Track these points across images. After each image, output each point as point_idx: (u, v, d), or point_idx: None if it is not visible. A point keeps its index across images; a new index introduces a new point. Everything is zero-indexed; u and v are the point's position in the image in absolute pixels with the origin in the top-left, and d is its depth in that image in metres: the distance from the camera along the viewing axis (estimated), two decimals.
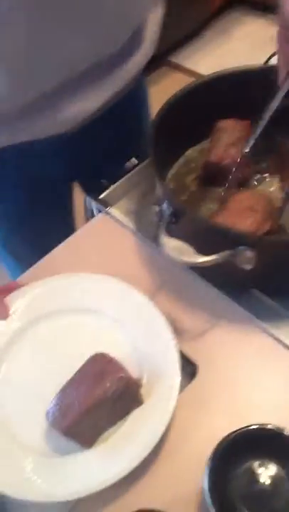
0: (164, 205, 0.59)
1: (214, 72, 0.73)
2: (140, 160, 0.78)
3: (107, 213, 0.75)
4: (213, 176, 0.70)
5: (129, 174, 0.78)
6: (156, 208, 0.73)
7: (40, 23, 0.55)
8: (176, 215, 0.58)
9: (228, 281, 0.62)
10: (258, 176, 0.71)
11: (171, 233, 0.56)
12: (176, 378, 0.53)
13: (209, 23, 2.55)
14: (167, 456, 0.52)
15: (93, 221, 0.76)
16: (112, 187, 0.77)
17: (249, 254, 0.53)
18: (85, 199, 0.79)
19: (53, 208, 0.90)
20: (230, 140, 0.69)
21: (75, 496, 0.48)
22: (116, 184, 0.77)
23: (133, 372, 0.53)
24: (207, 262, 0.53)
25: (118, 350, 0.55)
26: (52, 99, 0.64)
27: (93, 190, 0.77)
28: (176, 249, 0.54)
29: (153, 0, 0.71)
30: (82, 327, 0.60)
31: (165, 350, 0.55)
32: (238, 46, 2.43)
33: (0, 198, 0.82)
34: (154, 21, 0.73)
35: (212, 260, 0.53)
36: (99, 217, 0.76)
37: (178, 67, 2.40)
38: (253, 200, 0.61)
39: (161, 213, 0.60)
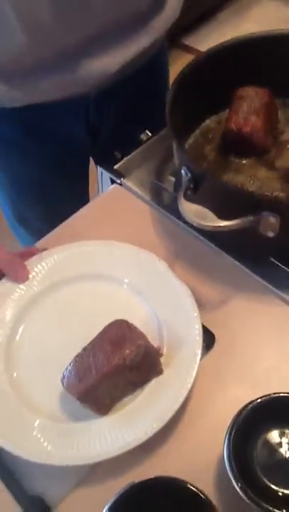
0: (183, 172, 0.57)
1: (233, 38, 0.71)
2: (153, 132, 0.76)
3: (122, 184, 0.73)
4: (232, 145, 0.68)
5: (143, 146, 0.76)
6: (173, 178, 0.72)
7: None
8: (196, 181, 0.56)
9: (247, 250, 0.61)
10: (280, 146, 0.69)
11: (190, 201, 0.54)
12: (197, 350, 0.51)
13: (223, 5, 2.50)
14: (186, 425, 0.51)
15: (107, 192, 0.74)
16: (126, 158, 0.75)
17: (273, 220, 0.52)
18: (99, 170, 0.77)
19: (69, 178, 0.88)
20: (250, 108, 0.66)
21: (87, 461, 0.47)
22: (130, 155, 0.76)
23: (153, 340, 0.51)
24: (229, 226, 0.51)
25: (138, 318, 0.53)
26: (73, 56, 0.62)
27: (107, 163, 0.76)
28: (198, 213, 0.52)
29: None
30: (103, 294, 0.59)
31: (187, 320, 0.54)
32: (252, 28, 2.37)
33: (21, 163, 0.81)
34: None
35: (235, 224, 0.51)
36: (113, 187, 0.74)
37: (191, 50, 2.36)
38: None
39: (179, 181, 0.58)
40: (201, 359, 0.52)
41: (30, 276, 0.60)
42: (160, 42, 0.74)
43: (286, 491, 0.43)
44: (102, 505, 0.41)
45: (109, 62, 0.66)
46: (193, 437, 0.50)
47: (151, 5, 0.66)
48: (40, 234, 0.69)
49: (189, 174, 0.57)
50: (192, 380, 0.50)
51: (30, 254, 0.61)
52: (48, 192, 0.87)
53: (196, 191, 0.56)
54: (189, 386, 0.50)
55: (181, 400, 0.49)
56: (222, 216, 0.52)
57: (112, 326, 0.51)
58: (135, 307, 0.57)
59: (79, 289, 0.59)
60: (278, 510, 0.41)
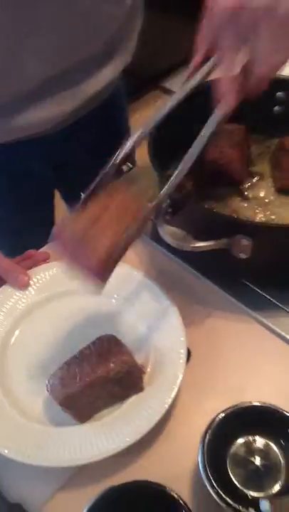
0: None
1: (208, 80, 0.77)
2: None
3: None
4: (210, 176, 0.72)
5: (123, 176, 0.81)
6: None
7: (11, 25, 0.56)
8: (175, 206, 0.60)
9: (221, 272, 0.65)
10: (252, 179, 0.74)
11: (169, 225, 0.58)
12: (179, 373, 0.54)
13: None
14: (164, 434, 0.53)
15: None
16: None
17: (246, 242, 0.56)
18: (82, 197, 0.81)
19: (35, 211, 0.91)
20: (227, 142, 0.72)
21: (70, 464, 0.49)
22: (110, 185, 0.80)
23: (138, 358, 0.54)
24: (205, 246, 0.55)
25: (128, 335, 0.57)
26: (26, 100, 0.65)
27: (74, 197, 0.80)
28: (176, 235, 0.57)
29: (125, 15, 0.71)
30: (94, 308, 0.62)
31: (173, 342, 0.57)
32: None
33: None
34: (131, 33, 0.75)
35: (210, 245, 0.55)
36: None
37: (169, 92, 2.48)
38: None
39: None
40: None
41: (32, 282, 0.63)
42: (113, 86, 0.77)
43: (255, 494, 0.46)
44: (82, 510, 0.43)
45: (64, 102, 0.69)
46: (171, 445, 0.53)
47: (103, 49, 0.70)
48: None
49: (168, 200, 0.61)
50: (170, 401, 0.52)
51: (27, 257, 0.64)
52: (16, 227, 0.90)
53: (174, 215, 0.61)
54: (167, 407, 0.52)
55: (157, 419, 0.51)
56: (199, 239, 0.56)
57: (101, 339, 0.54)
58: (127, 324, 0.60)
59: (70, 303, 0.63)
60: (246, 510, 0.43)
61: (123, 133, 0.92)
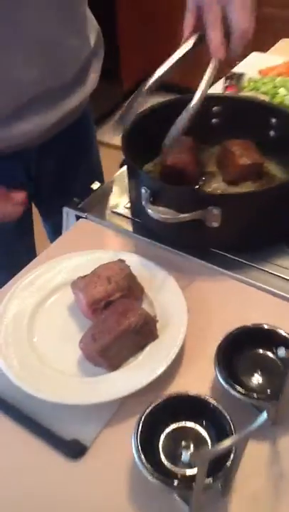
0: (143, 190, 0.76)
1: (160, 102, 0.94)
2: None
3: (86, 218, 0.90)
4: (169, 177, 0.86)
5: (96, 191, 0.95)
6: (125, 209, 0.90)
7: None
8: (155, 192, 0.74)
9: (196, 246, 0.79)
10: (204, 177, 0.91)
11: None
12: (184, 320, 0.67)
13: (121, 104, 2.92)
14: (178, 372, 0.65)
15: (76, 225, 0.90)
16: (86, 199, 0.93)
17: (216, 211, 0.71)
18: (65, 210, 0.93)
19: (14, 228, 1.01)
20: (181, 150, 0.88)
21: (106, 399, 0.60)
22: (88, 198, 0.94)
23: (150, 313, 0.66)
24: (186, 217, 0.70)
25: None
26: (6, 119, 0.79)
27: (50, 212, 0.92)
28: (162, 212, 0.71)
29: (92, 56, 0.91)
30: None
31: (175, 301, 0.70)
32: None
33: None
34: (95, 66, 0.93)
35: (189, 216, 0.70)
36: (80, 221, 0.90)
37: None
38: (112, 272, 0.70)
39: (140, 197, 0.77)
40: None
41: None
42: (83, 107, 0.94)
43: (182, 471, 0.53)
44: (127, 441, 0.52)
45: (44, 119, 0.84)
46: (183, 379, 0.64)
47: (72, 78, 0.86)
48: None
49: (148, 190, 0.75)
50: (179, 347, 0.64)
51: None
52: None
53: (154, 202, 0.75)
54: (176, 350, 0.64)
55: (169, 361, 0.62)
56: (180, 212, 0.71)
57: (116, 302, 0.66)
58: None
59: None
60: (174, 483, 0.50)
61: (92, 147, 1.07)
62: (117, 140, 0.91)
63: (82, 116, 0.97)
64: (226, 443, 0.42)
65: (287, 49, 1.40)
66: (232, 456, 0.49)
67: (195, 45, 0.71)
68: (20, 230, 1.03)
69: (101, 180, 1.03)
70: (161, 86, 2.82)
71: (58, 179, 0.99)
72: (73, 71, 0.86)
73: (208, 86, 0.70)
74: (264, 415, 0.42)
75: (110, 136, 2.70)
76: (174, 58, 0.72)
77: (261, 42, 1.67)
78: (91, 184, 0.98)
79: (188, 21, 0.69)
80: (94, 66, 0.93)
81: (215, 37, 0.66)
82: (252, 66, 1.23)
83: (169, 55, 0.72)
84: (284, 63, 1.21)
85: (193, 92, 0.70)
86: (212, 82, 0.71)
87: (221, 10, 0.65)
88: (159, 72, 0.73)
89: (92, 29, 0.92)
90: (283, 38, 1.49)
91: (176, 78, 3.09)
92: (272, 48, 1.42)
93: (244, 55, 1.35)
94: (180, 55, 0.71)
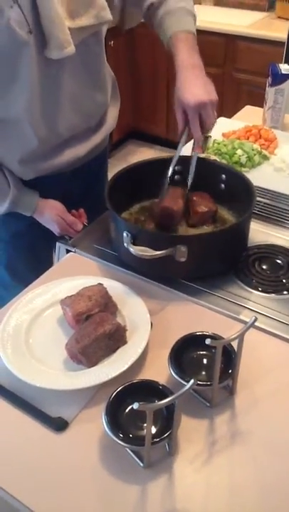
0: (125, 234, 0.95)
1: (140, 161, 1.16)
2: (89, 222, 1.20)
3: (75, 252, 1.10)
4: (165, 218, 1.06)
5: (85, 229, 1.16)
6: (110, 244, 1.10)
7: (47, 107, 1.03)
8: (135, 235, 0.94)
9: (166, 276, 0.99)
10: None
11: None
12: (147, 329, 0.86)
13: (110, 153, 3.18)
14: (139, 369, 0.84)
15: (66, 258, 1.10)
16: (76, 236, 1.13)
17: (183, 248, 0.91)
18: (57, 245, 1.13)
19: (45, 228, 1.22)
20: (173, 197, 1.07)
21: (87, 385, 0.78)
22: (78, 235, 1.14)
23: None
24: (160, 254, 0.90)
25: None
26: (55, 149, 1.12)
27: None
28: (140, 250, 0.91)
29: (110, 103, 1.23)
30: None
31: (141, 314, 0.89)
32: None
33: (16, 224, 1.20)
34: (113, 111, 1.25)
35: (162, 253, 0.90)
36: (70, 255, 1.10)
37: None
38: (93, 292, 0.89)
39: (120, 237, 0.96)
40: None
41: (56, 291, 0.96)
42: (106, 143, 1.26)
43: (140, 434, 0.70)
44: (100, 419, 0.70)
45: (77, 151, 1.16)
46: (142, 374, 0.83)
47: (96, 123, 1.19)
48: (26, 282, 1.02)
49: (129, 234, 0.95)
50: (142, 349, 0.83)
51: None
52: (36, 246, 1.25)
53: (134, 243, 0.94)
54: (140, 352, 0.83)
55: (133, 360, 0.81)
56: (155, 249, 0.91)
57: (96, 315, 0.85)
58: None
59: None
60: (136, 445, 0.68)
61: (105, 176, 1.39)
62: None
63: (103, 151, 1.28)
64: (165, 400, 0.60)
65: (248, 115, 1.65)
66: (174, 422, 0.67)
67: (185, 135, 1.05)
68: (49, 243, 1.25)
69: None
70: (150, 138, 3.13)
71: (79, 200, 1.25)
72: (97, 118, 1.18)
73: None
74: (191, 382, 0.60)
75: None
76: (177, 155, 1.07)
77: (229, 108, 1.94)
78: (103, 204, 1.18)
79: (180, 119, 1.03)
80: (111, 112, 1.25)
81: (195, 132, 1.01)
82: (217, 129, 1.47)
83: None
84: (243, 128, 1.45)
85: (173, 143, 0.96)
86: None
87: (199, 114, 0.99)
88: (173, 165, 1.07)
89: (109, 80, 1.21)
90: (248, 105, 1.76)
91: (163, 133, 3.42)
92: (237, 114, 1.68)
93: None
94: (180, 151, 1.07)
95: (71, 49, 0.96)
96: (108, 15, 1.02)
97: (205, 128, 1.01)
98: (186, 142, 1.07)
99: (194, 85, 0.98)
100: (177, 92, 1.00)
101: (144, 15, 1.16)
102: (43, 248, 1.24)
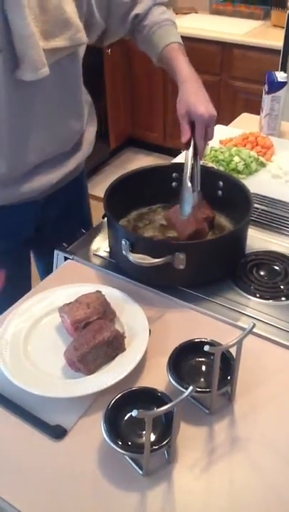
0: (123, 242, 0.96)
1: (136, 169, 1.17)
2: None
3: (73, 259, 1.10)
4: (193, 236, 1.04)
5: (82, 237, 1.16)
6: (105, 252, 1.10)
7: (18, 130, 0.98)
8: (133, 243, 0.94)
9: (164, 284, 0.99)
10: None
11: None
12: (145, 336, 0.86)
13: (109, 160, 3.20)
14: (137, 376, 0.83)
15: (64, 265, 1.10)
16: (73, 244, 1.14)
17: (182, 256, 0.91)
18: (55, 252, 1.13)
19: (16, 267, 1.23)
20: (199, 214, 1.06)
21: (85, 392, 0.77)
22: (75, 243, 1.14)
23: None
24: (158, 261, 0.90)
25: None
26: (25, 176, 1.06)
27: (45, 254, 1.14)
28: (139, 257, 0.91)
29: (86, 128, 1.17)
30: None
31: (140, 324, 0.89)
32: None
33: None
34: (89, 136, 1.19)
35: (160, 261, 0.90)
36: (68, 262, 1.10)
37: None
38: (91, 299, 0.89)
39: (119, 244, 0.97)
40: None
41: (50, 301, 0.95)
42: (81, 168, 1.20)
43: (139, 441, 0.70)
44: (98, 427, 0.70)
45: (49, 178, 1.10)
46: (141, 381, 0.83)
47: (71, 148, 1.13)
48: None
49: (128, 242, 0.95)
50: (141, 356, 0.83)
51: None
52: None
53: (132, 251, 0.95)
54: (138, 359, 0.82)
55: (133, 365, 0.81)
56: (154, 257, 0.91)
57: (95, 322, 0.84)
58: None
59: None
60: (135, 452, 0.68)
61: (84, 200, 1.34)
62: (100, 193, 1.15)
63: (79, 176, 1.23)
64: (164, 407, 0.60)
65: (245, 123, 1.66)
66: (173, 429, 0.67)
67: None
68: (20, 273, 1.25)
69: (88, 228, 1.25)
70: (147, 145, 3.16)
71: (56, 226, 1.22)
72: (71, 144, 1.12)
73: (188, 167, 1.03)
74: (190, 388, 0.60)
75: (93, 189, 2.96)
76: (189, 163, 1.04)
77: (226, 116, 1.96)
78: (80, 231, 1.19)
79: (187, 129, 1.02)
80: (87, 137, 1.19)
81: (201, 142, 1.02)
82: (214, 137, 1.48)
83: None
84: (240, 135, 1.46)
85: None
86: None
87: (205, 127, 1.00)
88: (188, 172, 1.04)
89: (86, 105, 1.16)
90: (245, 112, 1.77)
91: (160, 140, 3.44)
92: (234, 121, 1.69)
93: None
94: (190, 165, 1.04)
95: (45, 70, 0.91)
96: (83, 37, 0.97)
97: (207, 139, 1.03)
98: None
99: (203, 98, 1.00)
100: (186, 102, 1.00)
101: (127, 29, 1.13)
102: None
